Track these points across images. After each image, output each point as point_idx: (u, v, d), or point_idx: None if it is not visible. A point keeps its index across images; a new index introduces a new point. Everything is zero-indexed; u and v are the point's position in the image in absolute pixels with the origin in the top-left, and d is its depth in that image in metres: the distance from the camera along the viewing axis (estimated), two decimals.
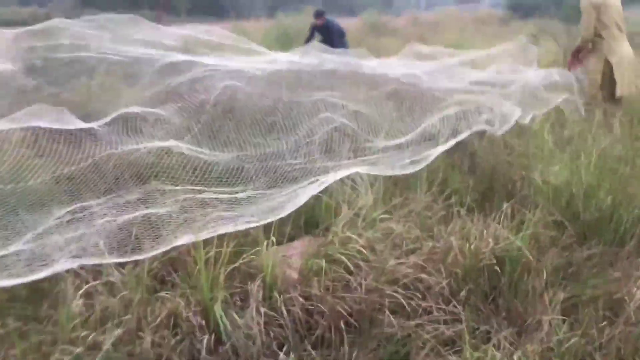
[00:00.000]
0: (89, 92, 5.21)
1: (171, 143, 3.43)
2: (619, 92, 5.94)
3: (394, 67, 5.55)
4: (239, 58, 5.42)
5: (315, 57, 5.49)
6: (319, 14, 9.90)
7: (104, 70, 5.77)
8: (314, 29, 10.02)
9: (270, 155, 3.65)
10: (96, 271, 2.82)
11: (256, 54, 6.67)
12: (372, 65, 5.76)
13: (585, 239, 3.51)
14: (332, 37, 9.67)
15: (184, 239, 2.89)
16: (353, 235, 3.04)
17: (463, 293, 2.86)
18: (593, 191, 3.65)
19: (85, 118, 4.77)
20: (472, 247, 3.01)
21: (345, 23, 16.28)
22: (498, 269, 2.96)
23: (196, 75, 4.40)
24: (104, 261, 2.78)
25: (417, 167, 3.74)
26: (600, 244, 3.43)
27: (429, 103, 4.27)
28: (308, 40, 9.85)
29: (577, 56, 6.13)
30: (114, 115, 3.77)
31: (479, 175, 4.23)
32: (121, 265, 2.84)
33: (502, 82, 5.24)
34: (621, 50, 5.88)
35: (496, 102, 4.62)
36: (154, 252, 2.87)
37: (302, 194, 3.27)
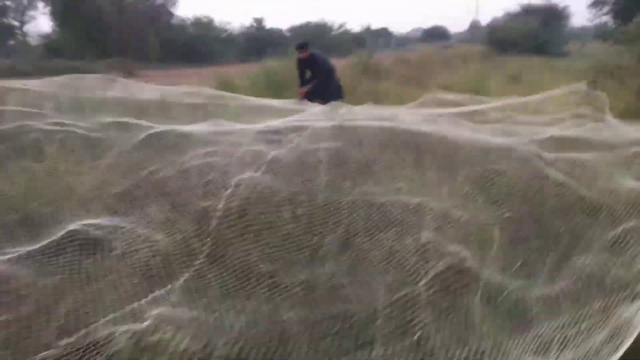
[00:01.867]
0: (33, 181, 3.71)
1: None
2: None
3: (439, 124, 4.19)
4: (244, 128, 4.04)
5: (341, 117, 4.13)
6: (300, 47, 8.69)
7: (58, 146, 4.30)
8: (301, 64, 8.80)
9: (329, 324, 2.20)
10: None
11: (264, 115, 5.31)
12: (411, 121, 4.41)
13: None
14: (319, 70, 8.50)
15: None
16: None
17: None
18: None
19: (21, 223, 3.33)
20: None
21: (338, 64, 15.21)
22: None
23: (190, 164, 2.98)
24: None
25: None
26: None
27: (576, 208, 2.80)
28: (301, 76, 8.78)
29: None
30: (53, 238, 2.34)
31: None
32: None
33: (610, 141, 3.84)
34: None
35: None
36: None
37: None
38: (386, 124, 4.06)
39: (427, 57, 22.11)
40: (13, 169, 4.03)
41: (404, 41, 62.12)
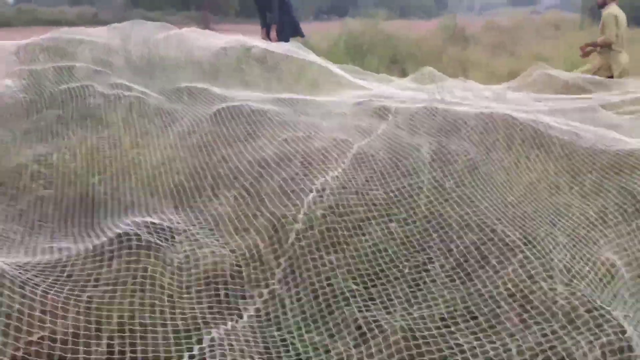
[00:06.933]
0: (94, 152, 3.35)
1: None
2: None
3: (569, 116, 3.47)
4: (322, 103, 3.51)
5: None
6: None
7: (123, 114, 3.92)
8: None
9: None
10: None
11: (343, 87, 4.77)
12: (523, 104, 3.73)
13: None
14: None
15: None
16: None
17: None
18: None
19: (80, 199, 2.99)
20: None
21: (420, 27, 14.31)
22: None
23: (265, 152, 2.48)
24: None
25: None
26: None
27: None
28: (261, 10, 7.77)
29: (593, 47, 6.80)
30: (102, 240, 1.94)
31: None
32: None
33: None
34: (624, 61, 6.65)
35: None
36: None
37: None
38: (497, 109, 3.41)
39: (517, 23, 20.47)
40: (75, 137, 3.72)
41: (488, 5, 58.91)
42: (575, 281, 2.00)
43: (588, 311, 1.86)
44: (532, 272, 2.04)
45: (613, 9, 6.80)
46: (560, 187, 2.83)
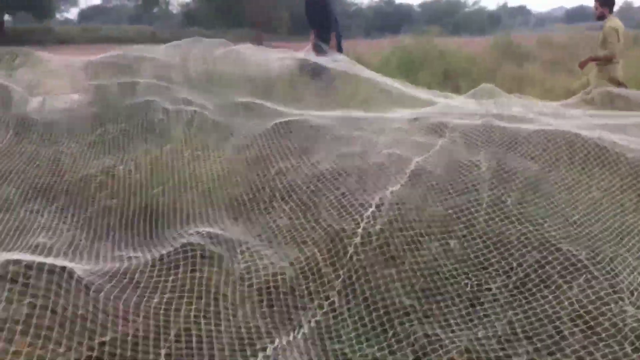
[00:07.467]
0: (156, 165, 3.47)
1: None
2: None
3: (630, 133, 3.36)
4: (379, 120, 3.53)
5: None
6: None
7: (184, 128, 4.05)
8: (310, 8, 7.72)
9: None
10: None
11: (395, 102, 4.77)
12: (586, 124, 3.64)
13: None
14: (324, 16, 7.40)
15: None
16: None
17: None
18: None
19: (141, 210, 3.10)
20: None
21: (472, 44, 14.16)
22: None
23: (322, 167, 2.51)
24: None
25: None
26: None
27: None
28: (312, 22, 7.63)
29: (591, 61, 6.66)
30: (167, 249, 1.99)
31: None
32: None
33: None
34: (622, 72, 6.55)
35: None
36: None
37: None
38: (558, 126, 3.34)
39: (573, 39, 19.95)
40: (139, 150, 3.86)
41: (543, 21, 57.81)
42: None
43: None
44: (601, 292, 1.98)
45: (613, 22, 6.52)
46: (625, 206, 2.74)
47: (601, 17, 6.63)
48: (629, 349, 1.73)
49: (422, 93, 5.72)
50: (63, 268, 1.87)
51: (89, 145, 4.16)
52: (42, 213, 3.11)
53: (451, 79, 9.61)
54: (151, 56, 6.16)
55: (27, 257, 1.94)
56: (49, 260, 1.92)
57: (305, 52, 7.15)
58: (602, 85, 6.20)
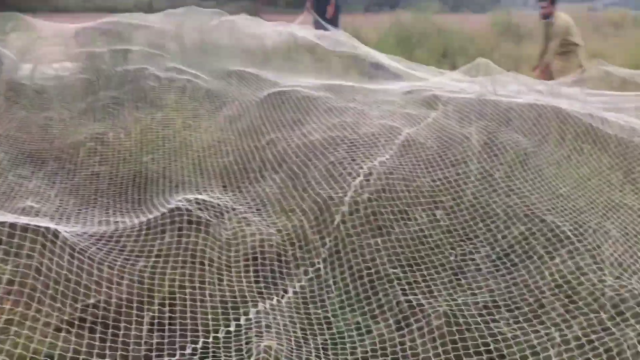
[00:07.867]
0: (148, 132, 3.45)
1: None
2: None
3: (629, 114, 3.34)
4: (371, 91, 3.50)
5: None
6: None
7: (176, 96, 4.02)
8: None
9: None
10: None
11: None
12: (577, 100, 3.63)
13: None
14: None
15: None
16: None
17: None
18: None
19: (133, 176, 3.09)
20: None
21: (472, 21, 13.98)
22: None
23: (313, 137, 2.51)
24: None
25: None
26: None
27: None
28: None
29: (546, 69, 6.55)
30: (155, 214, 2.00)
31: None
32: None
33: None
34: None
35: None
36: None
37: None
38: (549, 102, 3.33)
39: (574, 20, 19.76)
40: (130, 117, 3.83)
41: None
42: (625, 275, 1.95)
43: (638, 304, 1.81)
44: (582, 263, 2.00)
45: (563, 20, 6.45)
46: (613, 182, 2.76)
47: (547, 16, 6.49)
48: (604, 317, 1.76)
49: (417, 69, 5.68)
50: (47, 229, 1.87)
51: (80, 112, 4.12)
52: (30, 178, 3.10)
53: (448, 57, 9.52)
54: (145, 24, 6.08)
55: (11, 217, 1.93)
56: (34, 221, 1.92)
57: (298, 24, 7.09)
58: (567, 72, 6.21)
